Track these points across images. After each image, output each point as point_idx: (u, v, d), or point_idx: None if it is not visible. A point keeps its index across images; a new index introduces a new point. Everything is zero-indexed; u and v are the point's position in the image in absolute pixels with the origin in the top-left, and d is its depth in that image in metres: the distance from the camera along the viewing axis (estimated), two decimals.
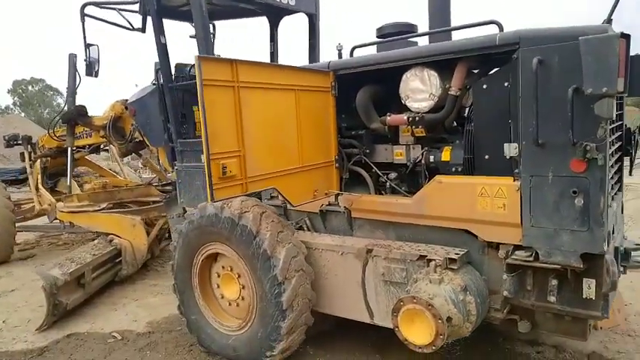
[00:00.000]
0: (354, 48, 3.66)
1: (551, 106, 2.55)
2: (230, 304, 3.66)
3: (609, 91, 2.25)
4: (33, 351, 4.06)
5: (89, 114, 6.08)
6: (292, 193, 3.33)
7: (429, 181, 3.36)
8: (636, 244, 3.34)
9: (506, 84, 2.87)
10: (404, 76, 3.30)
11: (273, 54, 5.65)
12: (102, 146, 7.04)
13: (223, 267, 3.66)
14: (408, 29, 3.68)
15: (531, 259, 2.75)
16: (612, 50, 2.22)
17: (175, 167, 4.73)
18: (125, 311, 4.87)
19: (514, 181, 2.79)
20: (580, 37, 2.31)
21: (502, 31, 2.88)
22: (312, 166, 3.48)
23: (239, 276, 3.54)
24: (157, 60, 4.68)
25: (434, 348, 2.65)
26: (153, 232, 6.00)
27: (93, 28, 5.02)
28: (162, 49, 4.42)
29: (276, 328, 3.22)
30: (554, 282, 2.70)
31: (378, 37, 3.90)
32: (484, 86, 2.98)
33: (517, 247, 2.84)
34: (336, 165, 3.69)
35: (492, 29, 2.99)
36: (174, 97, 4.52)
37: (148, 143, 5.66)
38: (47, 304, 4.36)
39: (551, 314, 2.92)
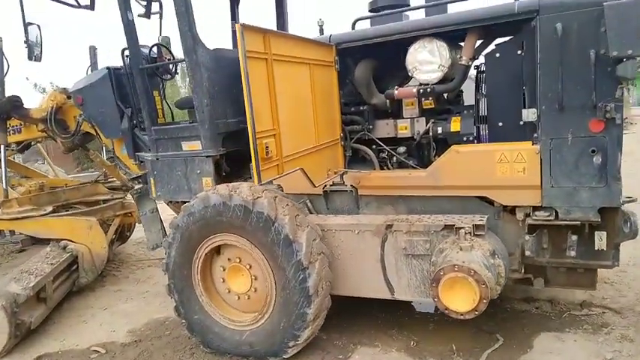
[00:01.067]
0: (356, 20, 3.56)
1: (571, 70, 2.68)
2: (239, 298, 3.43)
3: (634, 53, 2.41)
4: None
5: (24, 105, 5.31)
6: (312, 174, 3.18)
7: (436, 152, 3.40)
8: (627, 197, 3.67)
9: (519, 52, 2.97)
10: (411, 48, 3.27)
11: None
12: (32, 143, 6.20)
13: (229, 259, 3.41)
14: (403, 2, 3.66)
15: (552, 218, 2.90)
16: (637, 14, 2.37)
17: (147, 158, 4.31)
18: (97, 322, 4.38)
19: (532, 145, 2.91)
20: (605, 3, 2.45)
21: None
22: (324, 145, 3.35)
23: (250, 267, 3.33)
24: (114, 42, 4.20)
25: (476, 313, 2.71)
26: (109, 234, 5.46)
27: (33, 5, 4.35)
28: (130, 27, 3.96)
29: (301, 315, 3.08)
30: (574, 237, 2.88)
31: (370, 10, 3.84)
32: (497, 55, 3.05)
33: (535, 209, 2.97)
34: (342, 143, 3.59)
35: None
36: (145, 81, 4.08)
37: (101, 136, 5.09)
38: (8, 326, 3.77)
39: (564, 269, 3.12)
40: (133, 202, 5.98)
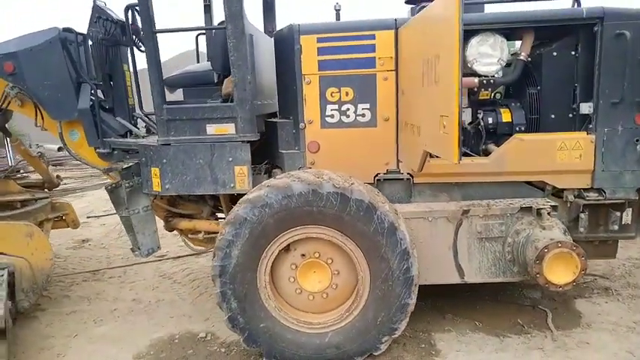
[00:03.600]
0: (420, 7, 3.51)
1: (625, 72, 3.14)
2: (313, 298, 3.08)
3: None
4: None
5: None
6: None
7: (484, 142, 3.60)
8: None
9: (572, 52, 3.35)
10: (472, 41, 3.38)
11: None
12: None
13: (304, 255, 3.05)
14: None
15: (602, 198, 3.35)
16: None
17: (145, 143, 3.54)
18: (78, 353, 3.40)
19: (587, 134, 3.31)
20: None
21: (579, 5, 3.33)
22: None
23: (332, 261, 3.03)
24: None
25: (573, 284, 2.97)
26: None
27: None
28: None
29: (402, 307, 2.93)
30: (618, 214, 3.37)
31: (407, 2, 3.84)
32: (554, 54, 3.38)
33: (584, 190, 3.39)
34: None
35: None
36: (157, 48, 3.33)
37: (43, 116, 3.97)
38: None
39: (596, 242, 3.60)
40: (64, 202, 4.85)
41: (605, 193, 3.34)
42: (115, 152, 3.91)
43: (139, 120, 4.23)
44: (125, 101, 4.10)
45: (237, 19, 3.18)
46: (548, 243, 2.94)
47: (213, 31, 3.86)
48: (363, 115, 3.43)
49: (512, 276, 3.32)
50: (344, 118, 3.44)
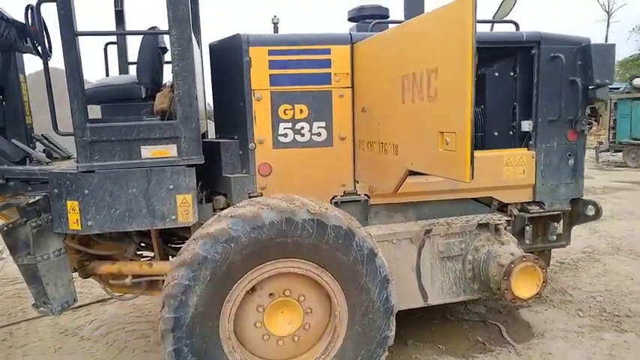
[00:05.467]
0: (376, 23, 3.40)
1: (558, 91, 3.38)
2: (283, 343, 2.70)
3: (608, 82, 3.31)
4: None
5: None
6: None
7: None
8: None
9: (512, 73, 3.54)
10: None
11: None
12: None
13: (272, 294, 2.66)
14: (385, 13, 3.73)
15: (542, 210, 3.55)
16: (612, 54, 3.29)
17: (57, 171, 2.85)
18: None
19: (528, 150, 3.49)
20: (592, 43, 3.27)
21: (518, 29, 3.51)
22: None
23: (304, 298, 2.69)
24: None
25: (537, 297, 3.05)
26: None
27: None
28: None
29: (382, 340, 2.70)
30: (556, 224, 3.59)
31: (350, 19, 3.74)
32: (496, 74, 3.53)
33: (526, 204, 3.55)
34: None
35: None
36: (78, 54, 2.70)
37: None
38: None
39: (535, 253, 3.80)
40: None
41: (544, 205, 3.54)
42: (11, 183, 3.10)
43: (37, 143, 3.46)
44: (21, 119, 3.32)
45: (183, 24, 2.74)
46: (513, 258, 2.98)
47: (142, 39, 3.32)
48: (319, 134, 3.20)
49: (472, 294, 3.33)
50: (298, 137, 3.17)
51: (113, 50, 4.30)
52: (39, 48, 3.35)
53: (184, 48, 2.75)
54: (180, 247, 2.96)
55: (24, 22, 3.26)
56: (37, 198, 2.88)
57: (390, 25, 3.67)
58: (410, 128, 2.51)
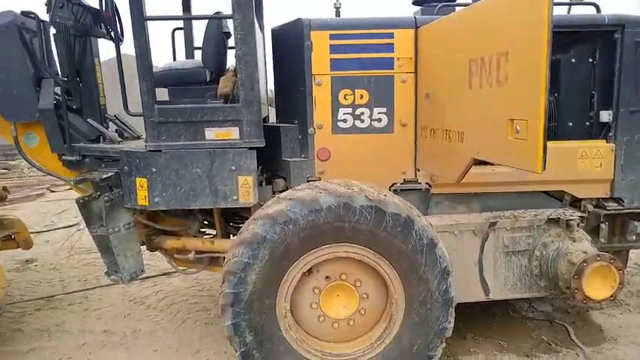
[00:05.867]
0: (442, 6, 3.27)
1: None
2: (338, 326, 2.72)
3: None
4: None
5: None
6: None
7: None
8: None
9: (590, 59, 3.26)
10: None
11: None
12: None
13: (328, 277, 2.68)
14: None
15: (621, 207, 3.28)
16: None
17: (126, 149, 3.01)
18: None
19: (607, 142, 3.23)
20: None
21: (599, 12, 3.24)
22: None
23: (361, 283, 2.68)
24: None
25: (612, 299, 2.83)
26: None
27: None
28: None
29: (440, 332, 2.65)
30: (636, 223, 3.31)
31: (415, 2, 3.62)
32: (572, 60, 3.28)
33: (603, 200, 3.30)
34: None
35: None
36: (148, 39, 2.83)
37: None
38: None
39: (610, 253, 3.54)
40: (13, 219, 4.13)
41: (623, 202, 3.27)
42: (87, 160, 3.33)
43: (109, 123, 3.68)
44: (96, 100, 3.53)
45: (246, 9, 2.78)
46: (586, 257, 2.78)
47: (207, 25, 3.41)
48: (379, 120, 3.14)
49: (539, 291, 3.16)
50: (358, 123, 3.13)
51: (179, 36, 4.44)
52: (112, 33, 3.55)
53: (247, 32, 2.79)
54: (240, 227, 3.05)
55: (98, 8, 3.44)
56: (109, 174, 3.08)
57: (457, 8, 3.52)
58: (477, 115, 2.39)
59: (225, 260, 2.64)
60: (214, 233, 3.60)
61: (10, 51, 3.18)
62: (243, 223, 3.57)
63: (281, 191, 3.11)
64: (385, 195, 2.58)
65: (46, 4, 3.30)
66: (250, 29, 2.80)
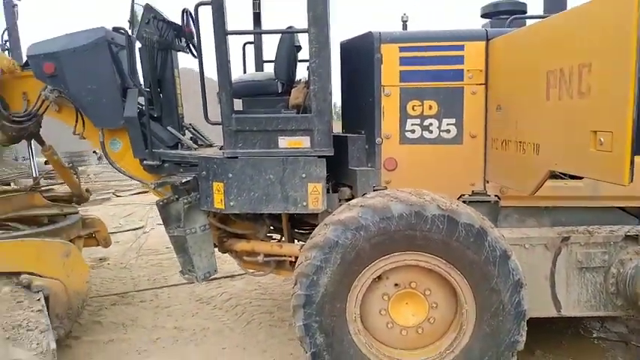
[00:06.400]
0: (514, 19, 3.29)
1: None
2: (406, 333, 2.75)
3: None
4: None
5: None
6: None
7: None
8: None
9: None
10: None
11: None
12: None
13: (397, 285, 2.72)
14: (523, 8, 3.56)
15: None
16: None
17: (205, 156, 3.21)
18: None
19: None
20: None
21: None
22: None
23: (430, 292, 2.70)
24: None
25: None
26: None
27: None
28: None
29: (511, 345, 2.62)
30: None
31: (484, 15, 3.64)
32: None
33: None
34: None
35: None
36: (228, 51, 3.03)
37: (84, 123, 3.64)
38: None
39: None
40: (95, 218, 4.46)
41: None
42: (166, 165, 3.57)
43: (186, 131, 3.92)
44: (175, 110, 3.77)
45: (322, 23, 2.91)
46: None
47: (280, 38, 3.58)
48: (448, 131, 3.16)
49: (614, 310, 3.03)
50: (426, 134, 3.17)
51: (249, 49, 4.66)
52: (191, 47, 3.80)
53: (322, 46, 2.91)
54: (305, 233, 3.15)
55: (180, 24, 3.71)
56: (188, 178, 3.28)
57: (529, 21, 3.49)
58: (555, 126, 2.37)
59: (297, 263, 2.74)
60: (280, 238, 3.73)
61: (100, 64, 3.48)
62: (307, 229, 3.70)
63: (347, 199, 3.19)
64: (457, 205, 2.60)
65: (129, 21, 3.60)
66: (325, 43, 2.93)
